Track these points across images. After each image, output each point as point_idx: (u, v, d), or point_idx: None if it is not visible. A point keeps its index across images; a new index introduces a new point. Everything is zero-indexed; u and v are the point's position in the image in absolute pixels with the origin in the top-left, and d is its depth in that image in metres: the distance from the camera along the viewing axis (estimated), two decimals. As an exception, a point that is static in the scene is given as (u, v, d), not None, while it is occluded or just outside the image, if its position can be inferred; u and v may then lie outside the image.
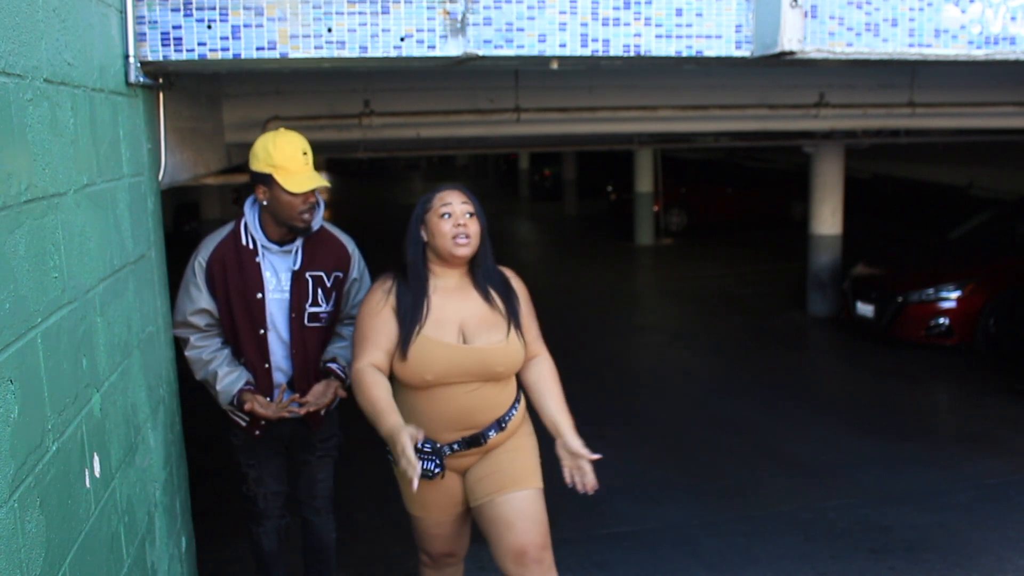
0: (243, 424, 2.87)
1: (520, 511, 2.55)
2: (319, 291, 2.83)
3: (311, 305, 2.82)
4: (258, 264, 2.76)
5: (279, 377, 2.86)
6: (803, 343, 8.40)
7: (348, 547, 3.95)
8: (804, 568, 3.88)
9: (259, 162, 2.69)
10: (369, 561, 4.00)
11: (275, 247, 2.77)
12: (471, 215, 2.52)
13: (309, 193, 2.69)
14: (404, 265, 2.57)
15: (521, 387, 2.70)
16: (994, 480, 4.82)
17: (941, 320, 7.38)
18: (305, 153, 2.69)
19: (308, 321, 2.82)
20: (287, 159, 2.65)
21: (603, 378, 6.93)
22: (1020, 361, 6.73)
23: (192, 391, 3.04)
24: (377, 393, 2.41)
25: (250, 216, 2.79)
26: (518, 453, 2.63)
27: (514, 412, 2.62)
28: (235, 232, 2.79)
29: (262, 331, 2.78)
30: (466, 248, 2.50)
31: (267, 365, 2.82)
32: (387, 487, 4.69)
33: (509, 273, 2.69)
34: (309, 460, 3.02)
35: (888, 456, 5.22)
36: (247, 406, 2.75)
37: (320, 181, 2.70)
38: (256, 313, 2.77)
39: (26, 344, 1.53)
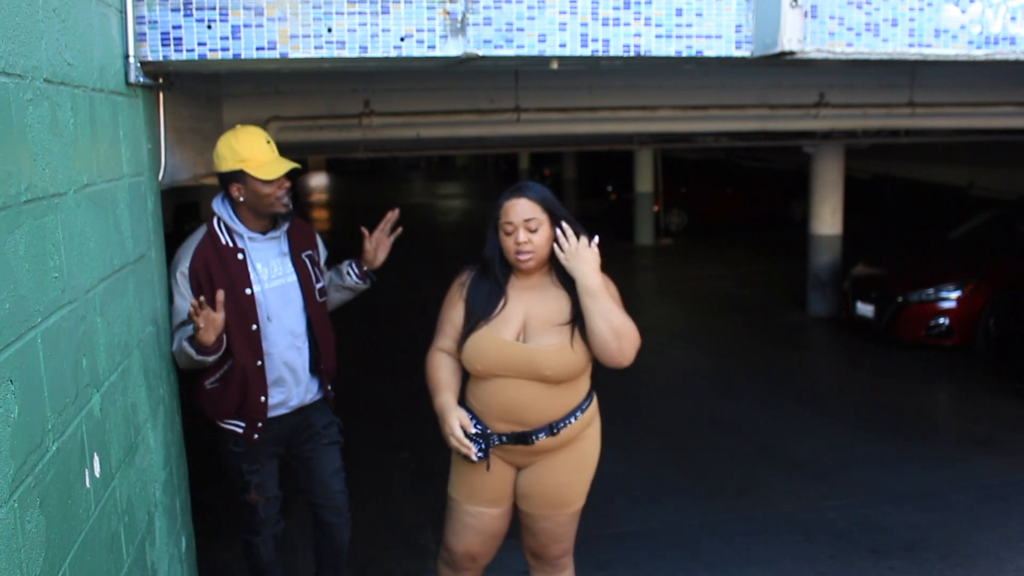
0: (239, 431, 2.83)
1: (545, 531, 2.72)
2: (316, 269, 2.93)
3: (316, 282, 2.90)
4: (242, 261, 2.75)
5: (282, 371, 2.81)
6: (803, 343, 8.40)
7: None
8: (804, 568, 3.88)
9: (226, 161, 2.72)
10: (369, 561, 4.00)
11: (261, 236, 2.80)
12: (535, 229, 2.54)
13: (283, 179, 2.74)
14: (484, 260, 2.66)
15: (590, 397, 2.69)
16: (994, 480, 4.82)
17: (941, 320, 7.37)
18: (268, 142, 2.76)
19: (319, 297, 2.90)
20: (254, 151, 2.70)
21: (603, 378, 6.92)
22: (1020, 361, 6.72)
23: (192, 391, 3.04)
24: (439, 374, 2.65)
25: (224, 213, 2.77)
26: (568, 471, 2.66)
27: (571, 421, 2.61)
28: (211, 233, 2.76)
29: (254, 327, 2.75)
30: (529, 263, 2.56)
31: (260, 363, 2.77)
32: (388, 488, 4.67)
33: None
34: (315, 449, 2.98)
35: (888, 456, 5.22)
36: (199, 319, 2.52)
37: (290, 164, 2.76)
38: (246, 309, 2.74)
39: (26, 344, 1.53)
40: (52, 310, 1.67)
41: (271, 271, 2.80)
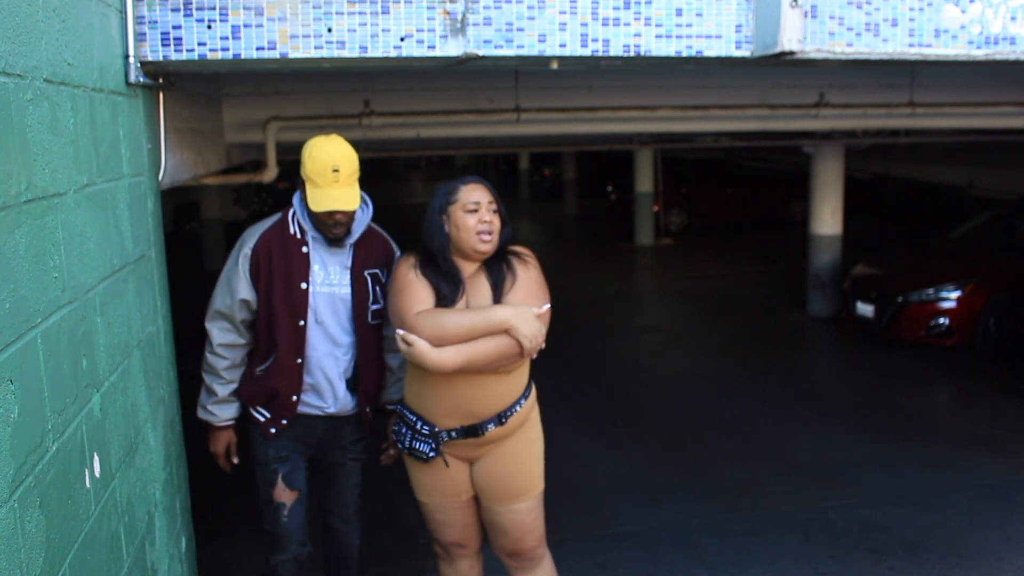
0: (261, 420, 2.81)
1: (516, 523, 2.71)
2: (377, 289, 2.81)
3: (372, 303, 2.80)
4: (305, 254, 2.73)
5: (318, 378, 2.78)
6: (803, 343, 8.40)
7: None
8: (804, 568, 3.88)
9: (302, 166, 2.69)
10: (369, 561, 4.00)
11: (324, 239, 2.75)
12: (496, 211, 2.57)
13: (335, 211, 2.66)
14: (424, 250, 2.59)
15: (531, 383, 2.70)
16: (994, 480, 4.82)
17: (941, 320, 7.37)
18: (336, 170, 2.60)
19: (371, 319, 2.81)
20: (315, 173, 2.62)
21: (603, 378, 6.93)
22: (1020, 361, 6.73)
23: (192, 391, 3.04)
24: (448, 313, 2.47)
25: (299, 208, 2.76)
26: (520, 458, 2.67)
27: (517, 408, 2.62)
28: (282, 221, 2.77)
29: (301, 323, 2.73)
30: (488, 245, 2.55)
31: (299, 360, 2.74)
32: (388, 488, 4.68)
33: (519, 252, 2.65)
34: (343, 463, 2.94)
35: (888, 456, 5.22)
36: (214, 446, 2.88)
37: (343, 203, 2.62)
38: (298, 303, 2.72)
39: (26, 344, 1.53)
40: (52, 310, 1.68)
41: (327, 276, 2.76)
